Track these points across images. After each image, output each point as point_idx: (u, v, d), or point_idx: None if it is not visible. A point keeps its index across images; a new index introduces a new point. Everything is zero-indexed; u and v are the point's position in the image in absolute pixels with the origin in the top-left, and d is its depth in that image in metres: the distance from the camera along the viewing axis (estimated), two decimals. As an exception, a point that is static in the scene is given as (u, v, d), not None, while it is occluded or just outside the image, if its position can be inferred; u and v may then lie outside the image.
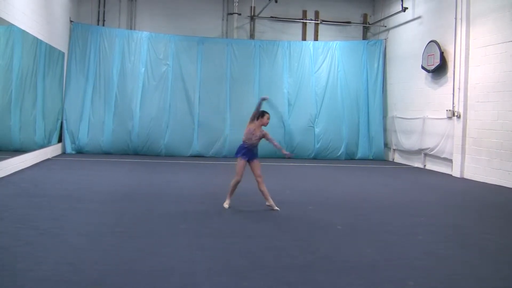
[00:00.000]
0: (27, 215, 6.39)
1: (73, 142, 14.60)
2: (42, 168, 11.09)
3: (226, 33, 16.70)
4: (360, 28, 17.64)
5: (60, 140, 14.24)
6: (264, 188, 7.34)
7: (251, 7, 16.57)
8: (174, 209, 7.24)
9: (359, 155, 16.26)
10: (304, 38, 17.08)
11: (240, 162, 7.28)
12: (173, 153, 15.10)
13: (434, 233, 6.35)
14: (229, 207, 7.34)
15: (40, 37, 11.67)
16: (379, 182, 11.25)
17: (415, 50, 14.62)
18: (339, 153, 16.02)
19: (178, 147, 15.19)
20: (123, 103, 14.97)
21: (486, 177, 11.42)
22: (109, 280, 4.15)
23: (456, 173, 12.44)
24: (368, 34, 17.72)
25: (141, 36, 15.32)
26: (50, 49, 12.65)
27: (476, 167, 11.84)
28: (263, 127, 7.37)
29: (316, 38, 17.13)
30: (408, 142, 15.04)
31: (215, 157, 15.24)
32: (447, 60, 13.12)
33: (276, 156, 14.76)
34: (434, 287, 4.37)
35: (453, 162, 12.59)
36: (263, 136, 7.35)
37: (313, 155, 15.91)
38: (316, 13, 17.22)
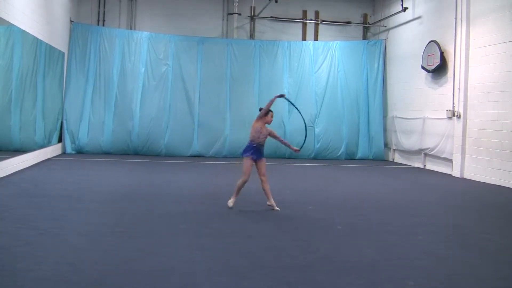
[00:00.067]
0: (27, 215, 6.39)
1: (73, 142, 14.61)
2: (42, 168, 11.09)
3: (226, 33, 16.71)
4: (360, 28, 17.64)
5: (60, 140, 14.24)
6: (267, 188, 7.35)
7: (251, 7, 16.57)
8: (174, 209, 7.23)
9: (359, 155, 16.27)
10: (304, 38, 17.08)
11: (248, 161, 7.26)
12: (173, 153, 15.10)
13: (434, 233, 6.35)
14: (232, 206, 7.30)
15: (40, 37, 11.67)
16: (379, 182, 11.25)
17: (415, 50, 14.62)
18: (339, 153, 16.03)
19: (178, 147, 15.19)
20: (123, 103, 14.97)
21: (486, 177, 11.42)
22: (109, 280, 4.15)
23: (456, 173, 12.44)
24: (368, 34, 17.72)
25: (141, 36, 15.32)
26: (50, 49, 12.66)
27: (476, 167, 11.84)
28: (267, 125, 7.38)
29: (316, 38, 17.13)
30: (408, 142, 15.04)
31: (215, 157, 15.24)
32: (447, 60, 13.13)
33: (276, 156, 14.83)
34: (434, 287, 4.37)
35: (453, 162, 12.59)
36: (269, 134, 7.36)
37: (313, 155, 15.91)
38: (316, 13, 17.22)
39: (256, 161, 7.29)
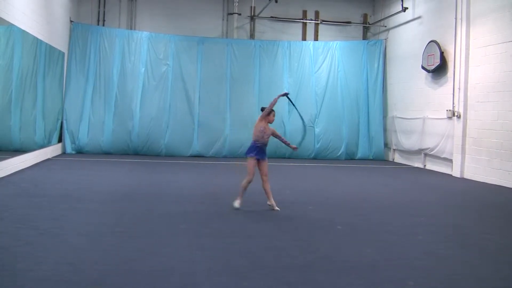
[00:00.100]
0: (27, 215, 6.39)
1: (73, 142, 14.61)
2: (42, 168, 11.09)
3: (226, 33, 16.70)
4: (360, 28, 17.64)
5: (60, 140, 14.24)
6: (268, 187, 7.36)
7: (251, 7, 16.57)
8: (174, 209, 7.23)
9: (359, 155, 16.27)
10: (304, 38, 17.08)
11: (252, 161, 7.27)
12: (173, 153, 15.10)
13: (434, 233, 6.35)
14: (239, 207, 7.26)
15: (40, 37, 11.67)
16: (379, 182, 11.25)
17: (415, 50, 14.62)
18: (339, 153, 16.03)
19: (178, 147, 15.19)
20: (123, 103, 14.97)
21: (486, 177, 11.42)
22: (109, 280, 4.15)
23: (456, 173, 12.44)
24: (368, 34, 17.72)
25: (141, 36, 15.33)
26: (50, 49, 12.66)
27: (476, 167, 11.84)
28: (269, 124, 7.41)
29: (316, 38, 17.13)
30: (408, 142, 15.04)
31: (215, 157, 15.24)
32: (447, 60, 13.12)
33: (276, 156, 14.82)
34: (434, 287, 4.37)
35: (453, 162, 12.59)
36: (272, 133, 7.38)
37: (313, 155, 15.91)
38: (316, 13, 17.22)
39: (259, 160, 7.31)
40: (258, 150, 7.29)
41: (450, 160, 12.77)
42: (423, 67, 14.05)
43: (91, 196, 7.90)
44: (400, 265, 4.90)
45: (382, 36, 16.90)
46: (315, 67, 16.23)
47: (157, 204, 7.57)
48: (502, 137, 11.02)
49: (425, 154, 14.24)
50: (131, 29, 15.89)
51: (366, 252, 5.30)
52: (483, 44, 11.71)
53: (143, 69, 15.19)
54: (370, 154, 16.33)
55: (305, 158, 15.70)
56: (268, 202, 7.41)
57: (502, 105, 11.04)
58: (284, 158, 15.36)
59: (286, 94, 7.68)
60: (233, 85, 15.74)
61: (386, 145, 16.47)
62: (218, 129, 15.44)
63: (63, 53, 14.18)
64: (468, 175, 12.10)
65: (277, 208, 7.36)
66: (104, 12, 15.87)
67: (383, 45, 16.60)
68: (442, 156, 13.19)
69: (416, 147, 14.53)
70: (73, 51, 14.75)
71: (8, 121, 10.26)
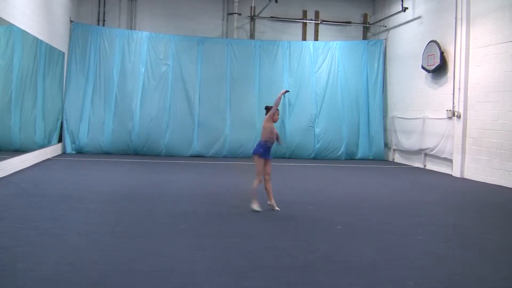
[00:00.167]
0: (27, 215, 6.39)
1: (73, 142, 14.61)
2: (42, 168, 11.09)
3: (226, 33, 16.70)
4: (360, 28, 17.64)
5: (60, 140, 14.24)
6: (270, 187, 7.37)
7: (251, 7, 16.57)
8: (174, 209, 7.23)
9: (359, 155, 16.26)
10: (304, 38, 17.08)
11: (260, 160, 7.27)
12: (173, 153, 15.10)
13: (434, 233, 6.35)
14: (260, 209, 7.19)
15: (40, 37, 11.67)
16: (379, 182, 11.25)
17: (415, 50, 14.62)
18: (339, 153, 16.02)
19: (178, 147, 15.19)
20: (123, 103, 14.97)
21: (486, 177, 11.42)
22: (109, 280, 4.15)
23: (456, 173, 12.44)
24: (368, 34, 17.72)
25: (141, 36, 15.33)
26: (50, 49, 12.66)
27: (476, 167, 11.84)
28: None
29: (316, 38, 17.13)
30: (408, 142, 15.04)
31: (215, 157, 15.24)
32: (447, 60, 13.12)
33: (276, 156, 14.79)
34: (434, 287, 4.37)
35: (453, 162, 12.59)
36: (276, 132, 7.48)
37: (313, 155, 15.91)
38: (316, 13, 17.21)
39: (265, 160, 7.33)
40: (267, 150, 7.33)
41: (450, 160, 12.77)
42: (423, 67, 14.05)
43: (91, 196, 7.90)
44: (400, 265, 4.90)
45: (382, 36, 16.90)
46: (315, 67, 16.23)
47: (157, 204, 7.57)
48: (502, 137, 11.02)
49: (425, 154, 14.24)
50: (131, 29, 15.89)
51: (366, 252, 5.30)
52: (483, 44, 11.71)
53: (143, 69, 15.19)
54: (370, 154, 16.33)
55: (305, 158, 15.70)
56: (269, 202, 7.41)
57: (502, 105, 11.04)
58: (284, 158, 15.37)
59: (286, 92, 7.75)
60: (233, 85, 15.74)
61: (386, 145, 16.47)
62: (218, 129, 15.44)
63: (63, 53, 14.18)
64: (468, 175, 12.10)
65: (277, 208, 7.37)
66: (104, 12, 15.87)
67: (383, 45, 16.59)
68: (442, 156, 13.19)
69: (416, 147, 14.53)
70: (73, 51, 14.75)
71: (8, 121, 10.26)
